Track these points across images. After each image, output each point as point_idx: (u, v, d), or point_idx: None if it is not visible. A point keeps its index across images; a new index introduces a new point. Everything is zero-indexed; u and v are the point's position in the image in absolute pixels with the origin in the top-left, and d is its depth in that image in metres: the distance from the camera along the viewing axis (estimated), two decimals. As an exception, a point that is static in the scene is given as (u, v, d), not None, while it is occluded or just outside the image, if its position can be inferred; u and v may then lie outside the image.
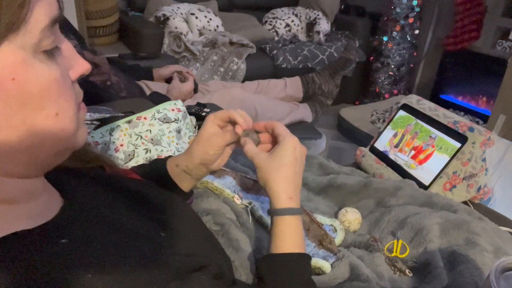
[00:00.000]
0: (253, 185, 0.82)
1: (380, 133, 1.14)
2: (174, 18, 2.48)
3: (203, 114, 1.29)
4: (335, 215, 0.85)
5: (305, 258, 0.55)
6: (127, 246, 0.38)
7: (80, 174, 0.47)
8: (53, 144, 0.34)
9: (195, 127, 0.99)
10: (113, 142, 0.86)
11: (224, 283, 0.47)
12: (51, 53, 0.32)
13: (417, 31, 2.81)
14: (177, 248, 0.44)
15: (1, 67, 0.29)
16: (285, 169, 0.56)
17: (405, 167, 1.02)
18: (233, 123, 0.63)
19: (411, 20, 2.73)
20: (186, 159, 0.64)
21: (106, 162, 0.54)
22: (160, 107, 0.92)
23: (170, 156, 0.68)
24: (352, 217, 0.81)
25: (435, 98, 3.03)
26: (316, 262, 0.68)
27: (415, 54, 2.93)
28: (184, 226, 0.51)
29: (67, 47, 0.35)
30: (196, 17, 2.57)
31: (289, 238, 0.55)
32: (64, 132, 0.34)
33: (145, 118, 0.89)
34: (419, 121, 1.05)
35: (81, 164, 0.49)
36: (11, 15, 0.28)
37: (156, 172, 0.65)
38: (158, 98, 1.40)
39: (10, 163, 0.32)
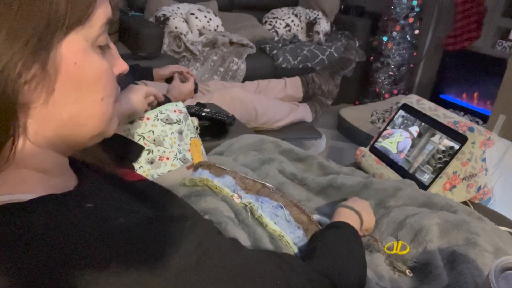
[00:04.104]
0: (253, 185, 0.82)
1: (380, 133, 1.15)
2: (174, 18, 2.48)
3: (203, 114, 1.29)
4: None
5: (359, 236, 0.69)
6: (139, 214, 0.41)
7: (88, 166, 0.50)
8: (95, 125, 0.40)
9: (196, 128, 0.99)
10: (114, 143, 0.86)
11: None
12: (103, 49, 0.39)
13: (417, 31, 2.81)
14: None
15: (67, 52, 0.35)
16: None
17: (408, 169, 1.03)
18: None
19: (411, 20, 2.73)
20: None
21: (106, 162, 0.55)
22: (163, 108, 0.92)
23: None
24: None
25: (435, 98, 3.03)
26: (317, 262, 0.68)
27: (415, 54, 2.93)
28: None
29: (113, 47, 0.43)
30: (196, 17, 2.57)
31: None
32: (105, 116, 0.40)
33: (148, 119, 0.89)
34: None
35: (94, 160, 0.52)
36: (80, 11, 0.35)
37: None
38: (158, 98, 1.40)
39: (57, 137, 0.38)
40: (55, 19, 0.34)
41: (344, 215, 0.72)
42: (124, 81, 1.43)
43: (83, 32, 0.36)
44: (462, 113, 2.72)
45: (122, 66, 0.44)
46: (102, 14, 0.37)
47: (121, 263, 0.33)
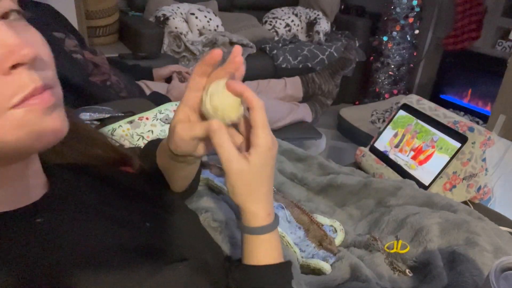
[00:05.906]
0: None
1: (380, 133, 1.14)
2: (174, 18, 2.48)
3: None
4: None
5: (285, 266, 0.49)
6: (106, 231, 0.39)
7: (73, 168, 0.47)
8: None
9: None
10: (114, 142, 0.86)
11: (206, 279, 0.44)
12: None
13: (417, 31, 2.81)
14: (159, 239, 0.44)
15: None
16: (265, 185, 0.46)
17: (405, 167, 1.03)
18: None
19: (411, 20, 2.73)
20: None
21: (105, 161, 0.53)
22: (162, 107, 0.92)
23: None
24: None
25: (435, 98, 3.03)
26: (317, 263, 0.68)
27: (415, 54, 2.93)
28: (172, 220, 0.50)
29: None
30: (196, 17, 2.57)
31: (265, 253, 0.48)
32: None
33: (147, 119, 0.89)
34: (419, 121, 1.05)
35: (86, 160, 0.49)
36: None
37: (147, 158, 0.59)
38: (158, 98, 1.40)
39: None
40: None
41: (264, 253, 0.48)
42: (125, 81, 1.43)
43: None
44: (462, 113, 2.72)
45: (12, 55, 0.30)
46: None
47: None
